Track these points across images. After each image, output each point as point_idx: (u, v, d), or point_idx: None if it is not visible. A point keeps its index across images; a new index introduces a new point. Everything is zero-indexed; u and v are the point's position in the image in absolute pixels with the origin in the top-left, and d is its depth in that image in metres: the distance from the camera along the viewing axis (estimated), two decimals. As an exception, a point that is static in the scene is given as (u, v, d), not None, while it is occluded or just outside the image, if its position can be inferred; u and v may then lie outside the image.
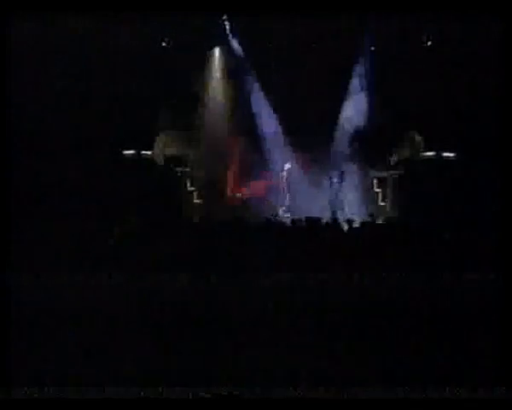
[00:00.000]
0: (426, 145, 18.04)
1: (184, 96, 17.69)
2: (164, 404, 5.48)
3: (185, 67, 17.71)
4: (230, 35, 17.67)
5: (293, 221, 13.10)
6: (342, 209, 16.97)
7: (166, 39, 17.45)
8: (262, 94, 18.09)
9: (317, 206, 16.63)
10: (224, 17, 17.19)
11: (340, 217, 15.43)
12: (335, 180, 17.36)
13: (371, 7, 14.34)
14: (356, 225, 12.74)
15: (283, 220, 14.37)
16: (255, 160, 17.76)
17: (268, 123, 18.00)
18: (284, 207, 17.11)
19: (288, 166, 17.48)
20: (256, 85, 18.09)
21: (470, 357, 6.39)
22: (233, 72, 18.06)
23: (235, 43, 17.82)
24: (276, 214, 15.59)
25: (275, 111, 17.99)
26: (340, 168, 17.36)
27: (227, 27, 17.50)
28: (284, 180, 17.48)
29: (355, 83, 18.00)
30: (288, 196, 17.43)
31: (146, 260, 10.82)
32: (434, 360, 6.37)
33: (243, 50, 17.90)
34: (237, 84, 18.03)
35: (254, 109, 18.06)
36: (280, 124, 17.91)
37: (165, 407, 5.49)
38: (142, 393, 5.52)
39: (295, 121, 17.61)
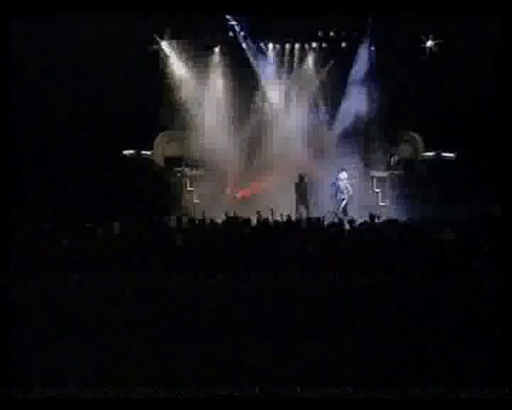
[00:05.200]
0: (426, 145, 18.06)
1: (184, 96, 17.71)
2: (164, 404, 5.48)
3: (185, 66, 17.76)
4: (229, 34, 17.72)
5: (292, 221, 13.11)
6: (345, 210, 16.99)
7: (166, 39, 17.50)
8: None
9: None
10: (228, 17, 17.22)
11: (343, 217, 15.45)
12: (340, 180, 17.36)
13: (371, 7, 14.34)
14: (356, 225, 12.72)
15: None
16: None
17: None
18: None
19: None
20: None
21: (470, 357, 6.39)
22: (234, 71, 18.09)
23: (234, 42, 17.88)
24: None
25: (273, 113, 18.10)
26: (342, 167, 17.34)
27: (225, 27, 17.53)
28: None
29: (355, 83, 18.01)
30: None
31: (146, 260, 10.82)
32: (434, 360, 6.38)
33: (241, 48, 17.96)
34: (238, 83, 18.06)
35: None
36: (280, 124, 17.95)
37: (165, 407, 5.49)
38: (142, 393, 5.52)
39: (295, 123, 17.70)
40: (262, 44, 18.07)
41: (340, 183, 17.26)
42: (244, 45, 17.92)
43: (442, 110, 16.79)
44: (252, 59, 18.11)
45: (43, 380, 5.72)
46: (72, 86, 16.41)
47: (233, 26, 17.44)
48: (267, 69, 18.19)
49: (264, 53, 18.15)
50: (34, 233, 11.47)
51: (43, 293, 9.15)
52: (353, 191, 17.24)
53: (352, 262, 10.59)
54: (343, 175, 17.30)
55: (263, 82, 18.25)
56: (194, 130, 17.69)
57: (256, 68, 18.17)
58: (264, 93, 18.31)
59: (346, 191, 17.23)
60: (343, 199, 17.24)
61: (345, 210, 16.95)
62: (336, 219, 13.31)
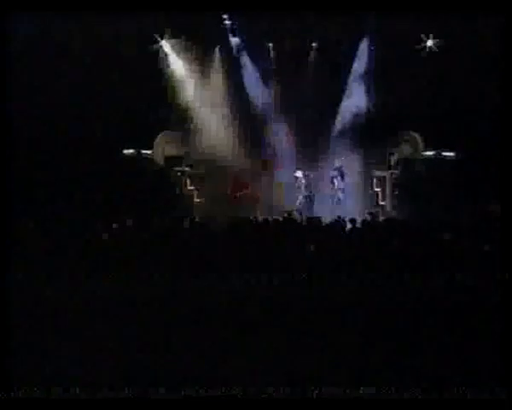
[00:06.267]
0: (426, 145, 18.06)
1: (184, 96, 17.72)
2: (164, 404, 5.48)
3: (185, 66, 17.77)
4: (231, 34, 17.76)
5: (292, 221, 13.12)
6: (340, 208, 17.05)
7: (166, 39, 17.50)
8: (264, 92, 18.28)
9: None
10: (225, 16, 17.24)
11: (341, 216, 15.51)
12: (336, 179, 17.44)
13: (371, 7, 14.34)
14: (358, 224, 12.72)
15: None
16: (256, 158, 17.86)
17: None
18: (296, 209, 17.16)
19: (298, 173, 17.54)
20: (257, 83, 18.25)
21: (470, 357, 6.39)
22: (233, 71, 18.13)
23: (235, 41, 17.92)
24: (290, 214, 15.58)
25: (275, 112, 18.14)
26: (339, 167, 17.43)
27: (227, 26, 17.57)
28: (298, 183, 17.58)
29: (355, 83, 18.03)
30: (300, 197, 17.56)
31: (146, 260, 10.82)
32: (434, 361, 6.37)
33: (243, 48, 18.00)
34: (237, 83, 18.11)
35: (256, 108, 18.20)
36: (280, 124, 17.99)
37: (165, 407, 5.49)
38: (142, 393, 5.52)
39: (295, 122, 17.72)
40: (261, 44, 18.08)
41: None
42: (243, 45, 17.94)
43: (442, 110, 16.78)
44: (251, 58, 18.13)
45: (43, 380, 5.72)
46: (71, 86, 16.40)
47: (231, 25, 17.46)
48: (267, 69, 18.20)
49: (263, 52, 18.16)
50: (34, 233, 11.46)
51: (44, 293, 9.15)
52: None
53: (351, 262, 10.59)
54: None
55: (262, 81, 18.27)
56: (194, 129, 17.71)
57: (255, 68, 18.19)
58: (263, 93, 18.32)
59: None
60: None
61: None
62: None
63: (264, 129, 18.00)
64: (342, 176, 17.45)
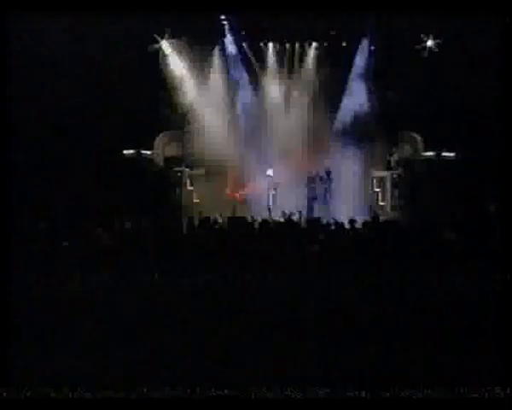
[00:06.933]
0: (426, 145, 18.07)
1: (184, 96, 17.73)
2: (164, 404, 5.48)
3: (185, 66, 17.77)
4: (230, 34, 17.78)
5: (292, 221, 13.12)
6: (328, 208, 17.14)
7: (166, 39, 17.51)
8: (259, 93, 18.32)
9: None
10: (224, 16, 17.26)
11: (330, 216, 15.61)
12: (324, 179, 17.54)
13: (371, 7, 14.33)
14: (357, 225, 12.73)
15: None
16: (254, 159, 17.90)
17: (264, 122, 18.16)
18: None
19: (270, 172, 17.59)
20: (250, 84, 18.30)
21: (470, 357, 6.39)
22: (233, 70, 18.16)
23: (234, 41, 17.95)
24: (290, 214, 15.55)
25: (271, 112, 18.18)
26: (328, 168, 17.53)
27: (226, 26, 17.59)
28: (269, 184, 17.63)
29: (355, 83, 18.04)
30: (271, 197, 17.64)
31: (146, 260, 10.83)
32: (434, 360, 6.38)
33: (243, 48, 18.03)
34: (236, 83, 18.15)
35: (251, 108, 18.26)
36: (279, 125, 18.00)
37: (165, 407, 5.49)
38: (142, 393, 5.51)
39: (295, 122, 17.73)
40: (262, 44, 18.10)
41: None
42: (244, 45, 17.97)
43: (442, 110, 16.79)
44: (251, 59, 18.15)
45: (43, 380, 5.71)
46: (71, 86, 16.40)
47: (231, 25, 17.49)
48: (267, 69, 18.22)
49: (263, 52, 18.18)
50: (34, 233, 11.46)
51: (44, 293, 9.15)
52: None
53: (352, 262, 10.59)
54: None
55: (263, 81, 18.29)
56: (194, 130, 17.72)
57: (256, 68, 18.21)
58: (264, 92, 18.33)
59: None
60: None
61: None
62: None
63: (263, 129, 18.01)
64: (328, 177, 17.51)
